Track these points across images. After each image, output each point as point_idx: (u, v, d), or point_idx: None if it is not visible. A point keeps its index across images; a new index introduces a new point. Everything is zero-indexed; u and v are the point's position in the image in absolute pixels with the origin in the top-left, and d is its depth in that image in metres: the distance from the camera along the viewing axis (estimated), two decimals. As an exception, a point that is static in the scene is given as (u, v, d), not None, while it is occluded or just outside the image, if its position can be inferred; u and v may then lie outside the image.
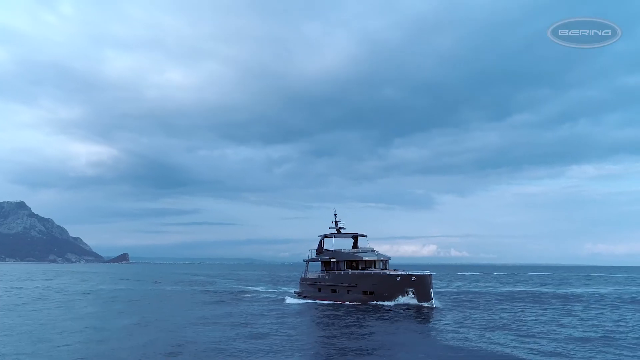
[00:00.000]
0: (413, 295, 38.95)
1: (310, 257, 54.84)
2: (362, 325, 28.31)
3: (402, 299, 39.44)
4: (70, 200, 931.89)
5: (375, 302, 40.92)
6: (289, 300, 48.93)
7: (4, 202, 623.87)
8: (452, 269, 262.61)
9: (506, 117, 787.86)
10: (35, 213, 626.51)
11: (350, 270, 46.23)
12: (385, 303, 39.90)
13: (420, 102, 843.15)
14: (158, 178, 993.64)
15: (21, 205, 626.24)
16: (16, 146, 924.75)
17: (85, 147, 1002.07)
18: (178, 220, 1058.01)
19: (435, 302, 38.01)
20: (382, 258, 46.91)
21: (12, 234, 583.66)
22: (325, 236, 54.01)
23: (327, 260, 50.53)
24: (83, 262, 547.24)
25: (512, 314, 34.39)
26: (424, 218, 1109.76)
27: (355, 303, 42.36)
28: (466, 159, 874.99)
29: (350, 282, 44.80)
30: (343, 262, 47.94)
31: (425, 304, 37.88)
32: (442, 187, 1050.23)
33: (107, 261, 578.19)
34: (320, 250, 53.81)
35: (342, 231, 53.66)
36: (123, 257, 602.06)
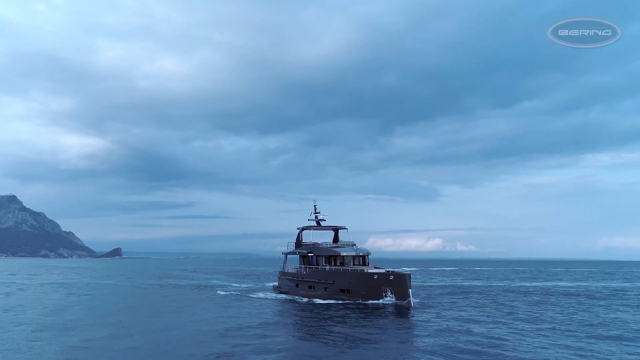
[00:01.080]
0: (391, 294, 38.13)
1: (289, 250, 53.97)
2: (324, 326, 27.51)
3: (380, 299, 38.63)
4: (62, 193, 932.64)
5: (352, 301, 39.93)
6: (261, 295, 48.35)
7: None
8: (458, 264, 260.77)
9: (514, 104, 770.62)
10: (27, 207, 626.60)
11: (328, 266, 45.01)
12: (362, 302, 39.01)
13: (423, 89, 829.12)
14: (151, 170, 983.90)
15: (12, 199, 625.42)
16: (7, 138, 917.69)
17: (77, 139, 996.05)
18: (172, 213, 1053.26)
19: (413, 302, 36.93)
20: (361, 253, 45.49)
21: (4, 229, 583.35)
22: (304, 228, 52.94)
23: (304, 254, 49.46)
24: (75, 257, 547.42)
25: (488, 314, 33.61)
26: (428, 210, 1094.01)
27: (331, 301, 41.35)
28: (472, 148, 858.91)
29: (328, 279, 43.63)
30: (321, 257, 46.66)
31: (403, 303, 36.99)
32: (447, 178, 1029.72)
33: (100, 256, 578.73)
34: (298, 243, 52.76)
35: (322, 223, 52.51)
36: (116, 252, 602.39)
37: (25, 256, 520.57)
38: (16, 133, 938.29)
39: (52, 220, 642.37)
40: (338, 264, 44.96)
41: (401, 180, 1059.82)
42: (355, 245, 46.95)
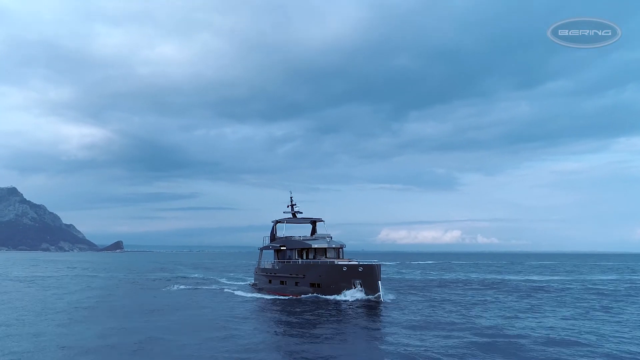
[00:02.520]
0: (360, 288, 37.09)
1: (264, 245, 53.31)
2: (278, 324, 27.02)
3: (349, 292, 37.56)
4: (62, 185, 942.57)
5: (322, 295, 39.19)
6: (239, 292, 46.53)
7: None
8: (477, 257, 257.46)
9: (538, 84, 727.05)
10: (27, 199, 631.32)
11: (300, 260, 44.28)
12: (331, 296, 38.23)
13: (438, 71, 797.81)
14: (152, 160, 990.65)
15: (12, 191, 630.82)
16: (6, 129, 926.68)
17: (76, 129, 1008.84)
18: (174, 205, 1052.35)
19: (383, 296, 36.09)
20: (333, 245, 44.65)
21: (4, 222, 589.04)
22: (278, 221, 52.09)
23: (277, 248, 49.01)
24: (77, 251, 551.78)
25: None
26: (445, 200, 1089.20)
27: (302, 296, 40.65)
28: (493, 133, 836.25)
29: (298, 273, 42.90)
30: (294, 251, 45.83)
31: (372, 298, 36.12)
32: (466, 166, 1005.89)
33: (101, 249, 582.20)
34: (272, 237, 52.31)
35: (299, 215, 51.86)
36: (117, 245, 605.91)
37: (26, 250, 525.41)
38: (15, 124, 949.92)
39: (52, 213, 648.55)
40: (310, 257, 44.18)
41: (416, 168, 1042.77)
42: (330, 237, 46.19)
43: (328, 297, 38.38)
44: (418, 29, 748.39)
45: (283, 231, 50.88)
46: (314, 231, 50.88)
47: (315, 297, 39.31)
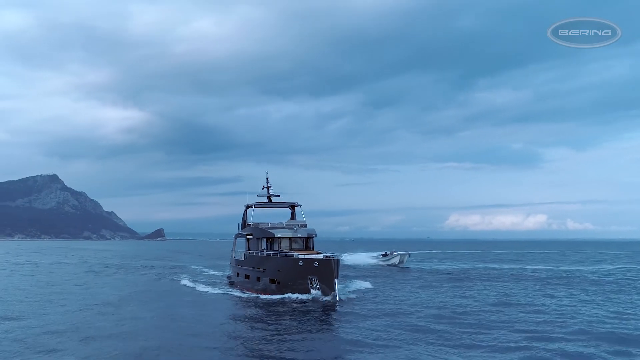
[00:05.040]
0: (317, 285, 34.83)
1: (238, 232, 50.74)
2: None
3: (306, 291, 35.51)
4: (102, 171, 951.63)
5: (280, 294, 36.52)
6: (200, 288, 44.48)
7: (37, 175, 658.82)
8: (568, 245, 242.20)
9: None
10: (68, 186, 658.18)
11: (266, 251, 41.54)
12: (286, 295, 35.92)
13: (510, 30, 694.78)
14: (192, 143, 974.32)
15: (54, 178, 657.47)
16: (46, 115, 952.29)
17: (115, 112, 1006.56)
18: (217, 190, 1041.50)
19: (339, 295, 33.49)
20: (299, 235, 41.98)
21: (46, 210, 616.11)
22: (250, 206, 49.17)
23: (244, 236, 47.42)
24: (118, 239, 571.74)
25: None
26: (526, 180, 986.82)
27: (261, 295, 38.03)
28: (582, 100, 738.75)
29: (260, 266, 40.51)
30: (261, 240, 43.31)
31: (328, 299, 33.80)
32: (549, 139, 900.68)
33: (142, 237, 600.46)
34: (244, 223, 49.55)
35: (275, 199, 49.27)
36: (158, 234, 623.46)
37: (68, 238, 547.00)
38: (55, 109, 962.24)
39: (93, 200, 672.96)
40: (275, 248, 41.76)
41: (489, 143, 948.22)
42: (299, 226, 43.51)
43: (283, 295, 36.10)
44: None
45: (251, 217, 48.46)
46: (293, 217, 48.63)
47: (276, 296, 36.68)
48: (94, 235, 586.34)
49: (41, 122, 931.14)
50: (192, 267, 73.36)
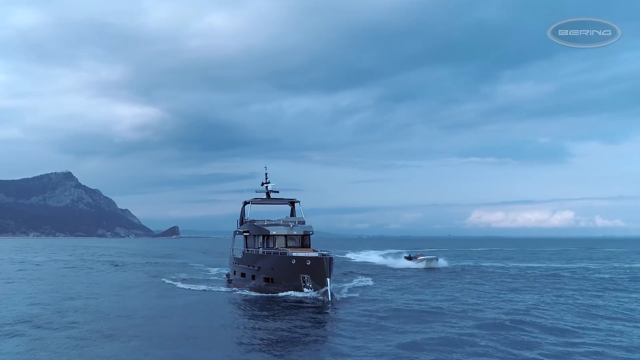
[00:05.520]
0: (310, 284, 34.74)
1: (236, 230, 50.26)
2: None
3: (299, 290, 35.35)
4: (116, 168, 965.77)
5: (273, 294, 36.54)
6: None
7: (51, 173, 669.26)
8: (594, 243, 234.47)
9: None
10: (83, 184, 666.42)
11: (262, 249, 41.52)
12: (281, 294, 35.83)
13: (533, 20, 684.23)
14: (206, 139, 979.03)
15: (68, 175, 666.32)
16: (60, 113, 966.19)
17: (129, 109, 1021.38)
18: (232, 187, 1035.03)
19: (332, 295, 33.00)
20: (295, 232, 41.59)
21: (61, 207, 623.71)
22: (248, 202, 48.65)
23: (241, 233, 47.19)
24: (132, 237, 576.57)
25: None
26: (552, 175, 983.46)
27: (256, 294, 38.06)
28: (613, 91, 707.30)
29: (254, 264, 40.76)
30: (258, 237, 43.12)
31: (318, 297, 33.63)
32: (578, 132, 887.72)
33: (157, 235, 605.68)
34: (242, 220, 48.93)
35: (274, 195, 48.77)
36: (173, 231, 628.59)
37: (82, 236, 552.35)
38: (69, 106, 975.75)
39: (107, 198, 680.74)
40: (271, 245, 41.35)
41: (513, 137, 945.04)
42: (296, 222, 42.99)
43: (274, 295, 36.08)
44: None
45: (248, 214, 48.00)
46: (292, 214, 47.65)
47: (269, 295, 36.66)
48: (109, 233, 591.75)
49: (55, 120, 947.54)
50: (195, 265, 73.19)
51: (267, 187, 48.34)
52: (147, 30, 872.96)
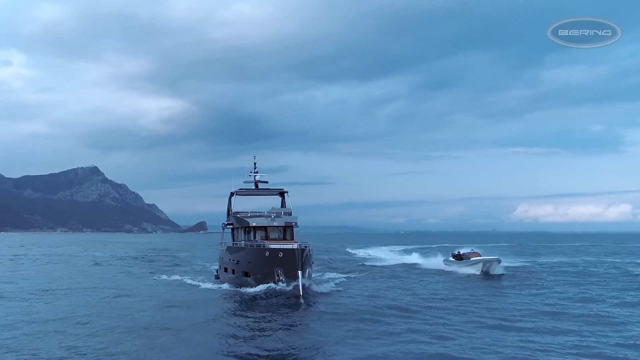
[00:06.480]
0: (283, 278, 34.10)
1: (224, 222, 49.44)
2: None
3: (273, 284, 34.81)
4: (142, 162, 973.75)
5: (251, 288, 36.05)
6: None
7: (78, 167, 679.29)
8: None
9: None
10: (109, 178, 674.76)
11: (244, 242, 41.28)
12: (251, 290, 35.51)
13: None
14: (234, 132, 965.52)
15: (94, 170, 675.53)
16: (85, 107, 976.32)
17: (154, 102, 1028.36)
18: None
19: (304, 292, 32.32)
20: (275, 224, 40.86)
21: (88, 203, 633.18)
22: (233, 194, 47.69)
23: (225, 226, 47.38)
24: (160, 232, 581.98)
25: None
26: (606, 165, 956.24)
27: (237, 288, 37.80)
28: None
29: (233, 258, 40.41)
30: (241, 230, 42.88)
31: (290, 290, 33.10)
32: (634, 119, 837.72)
33: (184, 230, 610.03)
34: (228, 212, 48.20)
35: (262, 186, 47.89)
36: (200, 226, 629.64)
37: (109, 231, 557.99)
38: (94, 100, 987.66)
39: (134, 192, 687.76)
40: (251, 238, 41.13)
41: (562, 125, 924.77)
42: (288, 213, 42.54)
43: (250, 289, 35.63)
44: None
45: (233, 205, 47.31)
46: (283, 205, 46.95)
47: (244, 290, 36.28)
48: (135, 229, 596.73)
49: (81, 114, 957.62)
50: (198, 261, 72.87)
51: (255, 177, 47.37)
52: (172, 20, 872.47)
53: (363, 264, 62.88)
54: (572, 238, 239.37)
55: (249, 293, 34.99)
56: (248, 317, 27.07)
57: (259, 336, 22.39)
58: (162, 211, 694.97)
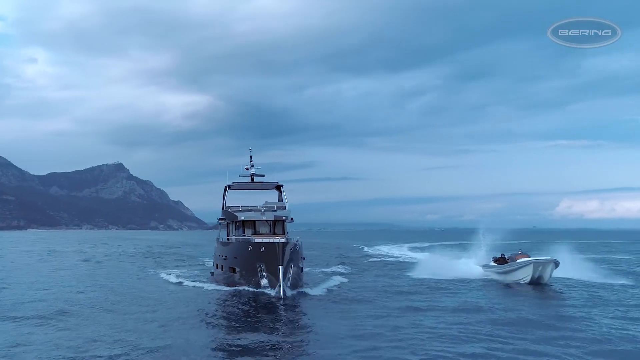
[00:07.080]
0: (265, 274, 33.12)
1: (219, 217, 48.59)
2: None
3: (257, 282, 33.92)
4: (167, 159, 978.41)
5: (238, 286, 35.37)
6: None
7: (103, 164, 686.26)
8: None
9: None
10: (134, 175, 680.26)
11: (234, 237, 40.28)
12: (241, 288, 34.88)
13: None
14: (259, 127, 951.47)
15: (119, 167, 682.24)
16: (109, 103, 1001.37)
17: (178, 97, 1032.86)
18: (288, 176, 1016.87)
19: (286, 289, 31.20)
20: (264, 218, 39.51)
21: (113, 199, 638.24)
22: (229, 187, 47.08)
23: (220, 221, 46.88)
24: (185, 229, 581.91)
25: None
26: None
27: (223, 287, 37.22)
28: None
29: (223, 254, 39.59)
30: (232, 225, 42.10)
31: (272, 292, 31.95)
32: None
33: (210, 228, 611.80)
34: (223, 207, 46.78)
35: (258, 179, 47.22)
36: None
37: (135, 228, 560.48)
38: (117, 97, 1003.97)
39: (159, 189, 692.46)
40: (241, 233, 39.99)
41: (608, 116, 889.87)
42: (282, 207, 41.70)
43: (236, 288, 35.01)
44: None
45: (224, 200, 46.81)
46: (280, 199, 46.16)
47: (231, 288, 35.42)
48: (161, 226, 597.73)
49: (104, 111, 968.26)
50: (205, 258, 71.06)
51: (251, 170, 46.64)
52: (194, 15, 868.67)
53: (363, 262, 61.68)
54: (623, 235, 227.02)
55: (220, 291, 34.77)
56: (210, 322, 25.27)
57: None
58: (187, 208, 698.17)
